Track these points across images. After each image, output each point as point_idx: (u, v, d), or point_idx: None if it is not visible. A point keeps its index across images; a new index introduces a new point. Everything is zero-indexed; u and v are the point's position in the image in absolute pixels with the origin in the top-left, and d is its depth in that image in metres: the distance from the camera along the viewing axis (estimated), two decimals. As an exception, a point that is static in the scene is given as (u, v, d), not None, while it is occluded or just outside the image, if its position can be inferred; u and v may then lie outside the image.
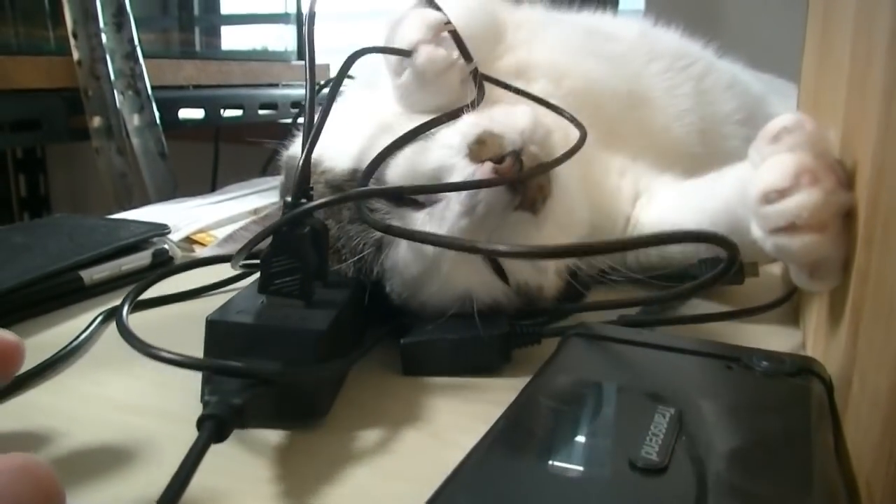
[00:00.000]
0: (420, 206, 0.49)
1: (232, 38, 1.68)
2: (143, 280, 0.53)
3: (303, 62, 1.56)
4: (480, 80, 0.54)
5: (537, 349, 0.49)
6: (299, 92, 1.51)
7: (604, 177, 0.64)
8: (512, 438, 0.34)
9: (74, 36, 1.03)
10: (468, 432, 0.35)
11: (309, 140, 0.47)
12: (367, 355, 0.48)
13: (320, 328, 0.41)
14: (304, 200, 0.46)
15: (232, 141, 1.64)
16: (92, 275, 0.65)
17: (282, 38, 1.69)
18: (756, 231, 0.42)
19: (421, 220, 0.48)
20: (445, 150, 0.49)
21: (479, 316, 0.48)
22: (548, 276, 0.52)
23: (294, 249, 0.44)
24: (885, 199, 0.35)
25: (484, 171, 0.46)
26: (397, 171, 0.49)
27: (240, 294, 0.47)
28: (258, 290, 0.44)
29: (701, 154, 0.72)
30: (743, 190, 0.48)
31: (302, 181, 0.46)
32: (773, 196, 0.39)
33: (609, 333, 0.46)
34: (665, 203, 0.63)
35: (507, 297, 0.50)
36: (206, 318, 0.42)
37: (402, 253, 0.48)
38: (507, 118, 0.49)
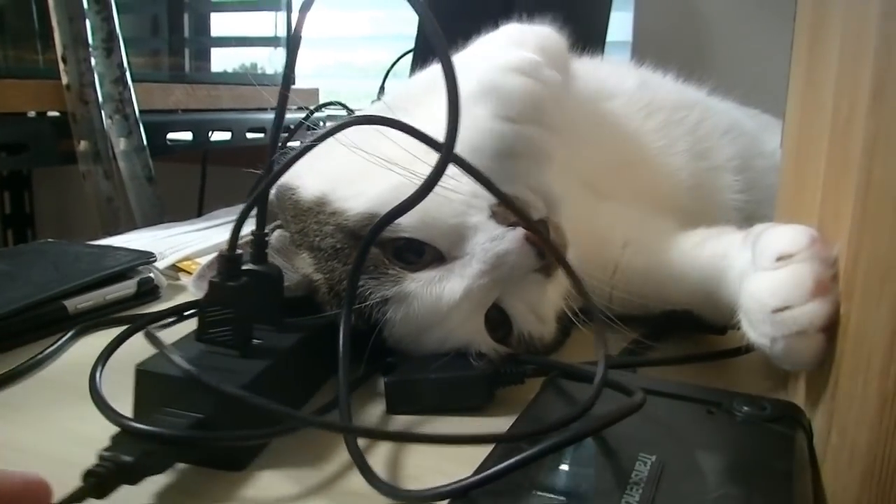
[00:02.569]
0: (438, 262, 0.50)
1: (221, 62, 1.69)
2: (114, 340, 0.50)
3: (293, 86, 1.55)
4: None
5: (520, 389, 0.49)
6: (287, 116, 1.51)
7: (594, 223, 0.64)
8: (493, 488, 0.34)
9: (64, 60, 1.03)
10: (448, 475, 0.35)
11: (258, 190, 0.46)
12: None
13: (240, 384, 0.41)
14: (238, 251, 0.45)
15: (220, 163, 1.64)
16: (76, 304, 0.64)
17: (271, 62, 1.70)
18: (758, 332, 0.43)
19: (439, 276, 0.49)
20: (466, 207, 0.49)
21: (463, 355, 0.49)
22: (548, 326, 0.53)
23: (227, 300, 0.44)
24: (865, 252, 0.35)
25: (517, 236, 0.48)
26: (411, 222, 0.48)
27: (181, 339, 0.47)
28: (195, 337, 0.45)
29: (690, 207, 0.73)
30: (723, 267, 0.52)
31: (236, 233, 0.45)
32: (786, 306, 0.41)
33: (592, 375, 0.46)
34: (652, 258, 0.63)
35: (500, 350, 0.51)
36: (136, 366, 0.42)
37: (415, 307, 0.49)
38: (531, 181, 0.50)
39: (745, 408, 0.42)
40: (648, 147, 0.75)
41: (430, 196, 0.43)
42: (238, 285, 0.45)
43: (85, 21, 1.04)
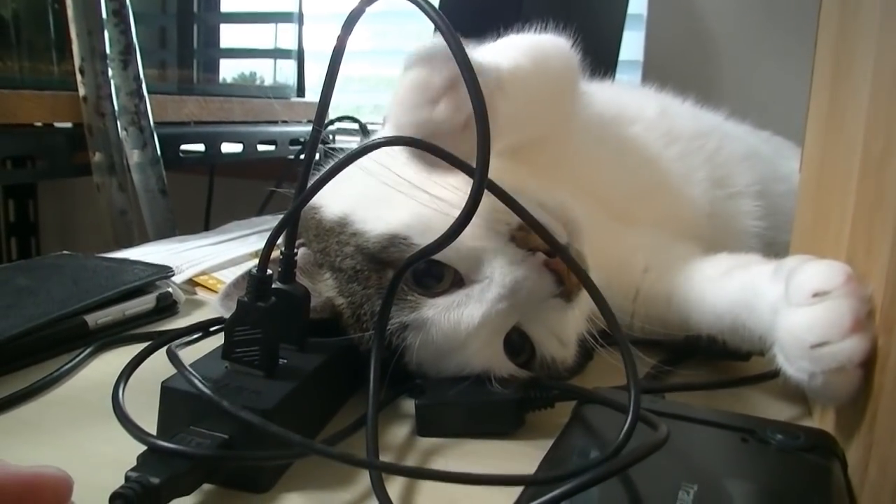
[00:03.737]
0: (457, 286, 0.50)
1: (222, 72, 1.68)
2: (136, 357, 0.51)
3: (303, 99, 1.55)
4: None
5: (551, 412, 0.49)
6: (298, 129, 1.51)
7: (615, 248, 0.64)
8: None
9: (81, 72, 1.02)
10: (482, 499, 0.35)
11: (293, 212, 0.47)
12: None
13: (267, 406, 0.41)
14: (269, 272, 0.45)
15: (227, 174, 1.65)
16: (96, 319, 0.64)
17: (282, 74, 1.70)
18: (796, 367, 0.43)
19: (457, 302, 0.49)
20: (485, 231, 0.49)
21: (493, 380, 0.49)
22: (570, 350, 0.52)
23: (256, 320, 0.44)
24: (906, 288, 0.35)
25: (536, 262, 0.48)
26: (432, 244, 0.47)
27: (207, 356, 0.47)
28: (221, 356, 0.45)
29: (710, 234, 0.74)
30: (752, 299, 0.52)
31: (267, 253, 0.46)
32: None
33: (623, 401, 0.46)
34: (674, 284, 0.63)
35: (520, 374, 0.51)
36: (161, 384, 0.43)
37: (433, 333, 0.49)
38: (554, 207, 0.50)
39: (779, 436, 0.42)
40: (668, 175, 0.75)
41: (450, 218, 0.44)
42: (268, 306, 0.45)
43: (103, 33, 1.04)
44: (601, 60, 0.99)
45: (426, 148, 0.44)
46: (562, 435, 0.44)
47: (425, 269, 0.50)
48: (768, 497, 0.37)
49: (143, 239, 1.09)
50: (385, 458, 0.45)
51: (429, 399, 0.49)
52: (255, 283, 0.45)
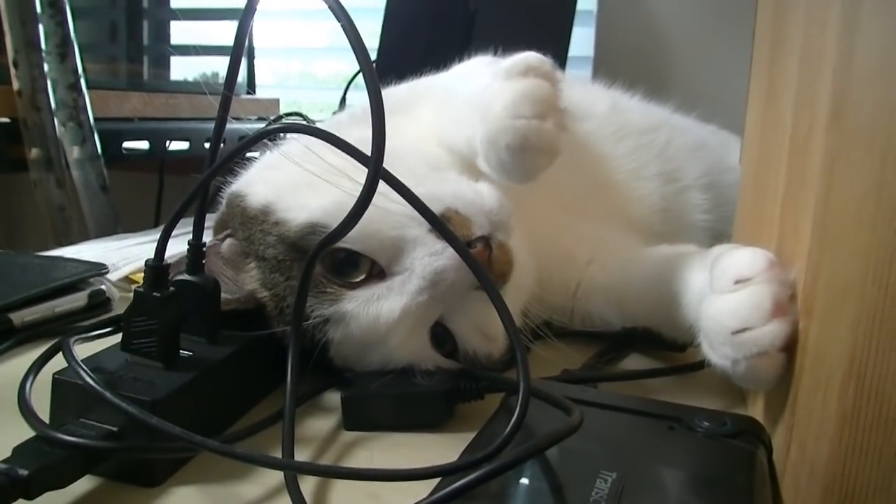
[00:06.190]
0: (378, 278, 0.49)
1: (181, 71, 1.66)
2: (46, 351, 0.48)
3: (253, 96, 1.53)
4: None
5: (481, 404, 0.49)
6: (247, 126, 1.49)
7: (562, 240, 0.64)
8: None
9: (15, 65, 1.00)
10: (407, 493, 0.34)
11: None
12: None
13: (154, 397, 0.40)
14: (167, 262, 0.44)
15: (178, 172, 1.62)
16: (23, 317, 0.62)
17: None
18: (719, 354, 0.42)
19: (377, 294, 0.48)
20: (406, 220, 0.48)
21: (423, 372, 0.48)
22: (497, 344, 0.52)
23: (152, 311, 0.43)
24: (825, 269, 0.35)
25: (455, 253, 0.46)
26: (351, 233, 0.45)
27: (109, 348, 0.46)
28: (121, 347, 0.44)
29: (661, 229, 0.74)
30: (681, 289, 0.52)
31: (163, 242, 0.44)
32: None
33: (551, 391, 0.46)
34: (614, 276, 0.63)
35: (448, 365, 0.50)
36: (52, 375, 0.41)
37: (353, 327, 0.48)
38: (475, 197, 0.50)
39: (706, 423, 0.42)
40: (620, 171, 0.75)
41: (370, 208, 0.42)
42: (163, 296, 0.43)
43: (38, 25, 1.01)
44: (550, 56, 0.99)
45: (323, 136, 0.44)
46: (486, 425, 0.43)
47: (344, 259, 0.49)
48: (690, 482, 0.37)
49: (84, 236, 1.07)
50: (306, 451, 0.44)
51: (355, 391, 0.48)
52: (150, 273, 0.43)
